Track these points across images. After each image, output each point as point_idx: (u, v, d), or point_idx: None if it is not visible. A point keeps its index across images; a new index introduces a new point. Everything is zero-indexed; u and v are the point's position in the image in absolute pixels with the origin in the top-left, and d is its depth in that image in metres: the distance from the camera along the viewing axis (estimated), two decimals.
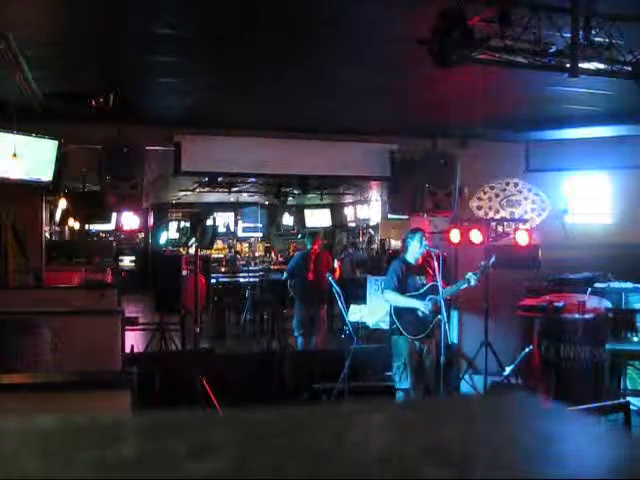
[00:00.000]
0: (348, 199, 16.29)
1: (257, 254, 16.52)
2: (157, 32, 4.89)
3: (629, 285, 7.40)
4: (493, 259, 6.51)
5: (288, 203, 16.11)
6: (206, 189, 12.88)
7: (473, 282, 6.23)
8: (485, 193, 8.58)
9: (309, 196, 15.30)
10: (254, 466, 0.62)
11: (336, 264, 10.28)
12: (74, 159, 7.33)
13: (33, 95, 6.09)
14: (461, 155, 8.09)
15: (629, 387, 6.82)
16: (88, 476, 0.60)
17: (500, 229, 7.97)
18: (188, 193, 13.86)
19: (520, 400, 0.89)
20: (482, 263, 6.47)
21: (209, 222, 8.23)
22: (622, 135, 7.95)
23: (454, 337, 8.08)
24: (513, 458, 0.65)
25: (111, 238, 15.05)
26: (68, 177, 7.91)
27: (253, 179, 12.09)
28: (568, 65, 4.17)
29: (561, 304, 7.05)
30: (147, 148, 7.23)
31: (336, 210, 17.48)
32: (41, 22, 4.73)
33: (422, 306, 6.19)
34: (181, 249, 11.32)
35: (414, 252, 6.41)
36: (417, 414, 0.81)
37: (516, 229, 7.77)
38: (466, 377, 7.73)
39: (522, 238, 7.54)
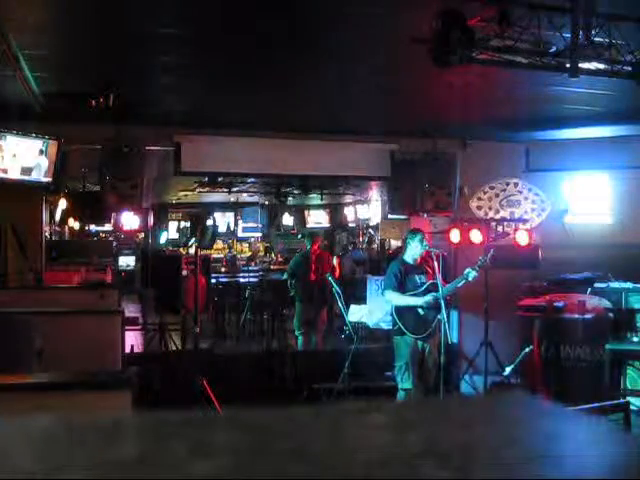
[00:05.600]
0: (348, 199, 16.28)
1: (258, 254, 16.53)
2: (157, 32, 4.90)
3: (629, 285, 7.40)
4: (491, 253, 6.53)
5: (288, 203, 16.10)
6: (206, 189, 12.88)
7: (471, 277, 6.24)
8: (485, 193, 8.57)
9: (309, 196, 15.30)
10: (254, 466, 0.62)
11: (335, 262, 10.28)
12: (74, 159, 7.33)
13: (33, 95, 6.09)
14: (461, 155, 8.08)
15: (629, 387, 6.82)
16: (88, 476, 0.60)
17: (500, 229, 7.97)
18: (188, 193, 13.86)
19: (520, 400, 0.89)
20: (480, 258, 6.49)
21: (209, 222, 8.24)
22: (622, 135, 7.95)
23: (454, 337, 8.08)
24: (513, 458, 0.65)
25: (111, 238, 15.04)
26: (68, 177, 7.91)
27: (253, 179, 12.09)
28: (568, 65, 4.17)
29: (561, 304, 7.05)
30: (147, 148, 7.23)
31: (336, 210, 17.48)
32: (41, 22, 4.73)
33: (422, 302, 6.20)
34: (181, 249, 11.33)
35: (413, 252, 6.41)
36: (417, 414, 0.81)
37: (516, 229, 7.77)
38: (466, 377, 7.73)
39: (522, 238, 7.54)
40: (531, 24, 4.03)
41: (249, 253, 16.70)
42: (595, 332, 6.91)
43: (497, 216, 8.44)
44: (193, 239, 7.14)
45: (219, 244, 15.93)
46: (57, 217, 10.55)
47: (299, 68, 5.84)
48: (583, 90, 6.15)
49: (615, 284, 7.46)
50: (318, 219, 17.71)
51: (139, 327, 8.45)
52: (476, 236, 7.51)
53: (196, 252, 7.15)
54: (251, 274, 12.05)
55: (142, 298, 9.27)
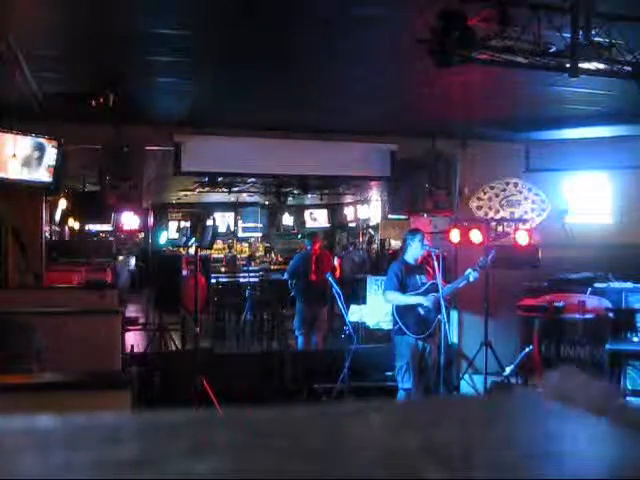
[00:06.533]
0: (348, 199, 16.30)
1: (257, 254, 16.53)
2: (157, 32, 4.89)
3: (629, 285, 7.40)
4: (492, 254, 6.54)
5: (288, 203, 16.12)
6: (206, 189, 12.89)
7: (472, 278, 6.26)
8: (485, 193, 8.57)
9: (309, 196, 15.31)
10: (254, 466, 0.62)
11: (336, 262, 10.28)
12: (74, 159, 7.33)
13: (33, 95, 6.09)
14: (461, 155, 8.08)
15: (629, 387, 6.82)
16: (88, 476, 0.60)
17: (500, 229, 7.97)
18: (188, 193, 13.88)
19: (520, 400, 0.89)
20: (481, 259, 6.50)
21: (209, 222, 8.24)
22: (622, 135, 7.95)
23: (454, 337, 8.09)
24: (513, 458, 0.65)
25: (111, 238, 15.04)
26: (68, 177, 7.91)
27: (253, 179, 12.10)
28: (568, 65, 4.17)
29: (561, 304, 7.05)
30: (147, 148, 7.23)
31: (336, 210, 17.50)
32: (41, 22, 4.73)
33: (424, 300, 6.20)
34: (181, 249, 11.33)
35: (413, 253, 6.42)
36: (417, 414, 0.81)
37: (516, 229, 7.77)
38: (466, 377, 7.73)
39: (522, 238, 7.54)
40: (531, 24, 4.03)
41: (249, 253, 16.70)
42: (595, 332, 6.91)
43: (497, 216, 8.44)
44: (193, 239, 7.13)
45: (219, 244, 15.92)
46: (57, 217, 10.56)
47: (299, 68, 5.84)
48: (583, 90, 6.15)
49: (615, 284, 7.46)
50: (318, 219, 17.71)
51: (139, 327, 8.46)
52: (476, 236, 7.52)
53: (196, 252, 7.15)
54: (251, 274, 12.03)
55: (142, 298, 9.28)
